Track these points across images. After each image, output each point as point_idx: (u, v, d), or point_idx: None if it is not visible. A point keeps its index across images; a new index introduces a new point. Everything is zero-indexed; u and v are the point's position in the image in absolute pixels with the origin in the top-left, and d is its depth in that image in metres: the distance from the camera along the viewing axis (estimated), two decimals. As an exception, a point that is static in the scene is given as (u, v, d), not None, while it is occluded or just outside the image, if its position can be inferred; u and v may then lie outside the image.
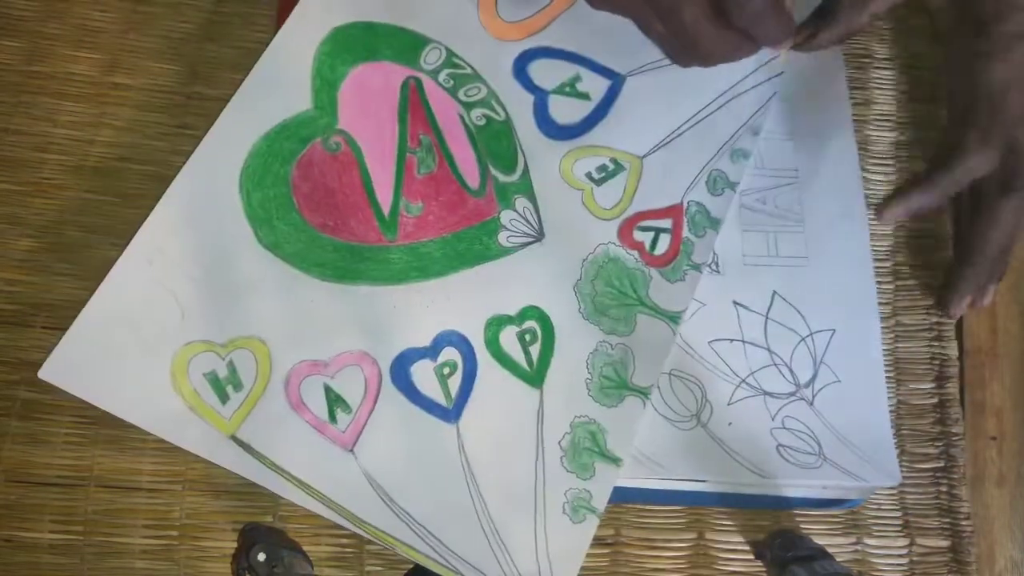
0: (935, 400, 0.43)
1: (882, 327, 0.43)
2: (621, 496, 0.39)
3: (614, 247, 0.39)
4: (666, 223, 0.40)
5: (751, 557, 0.40)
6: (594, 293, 0.38)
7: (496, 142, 0.40)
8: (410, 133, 0.39)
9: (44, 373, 0.33)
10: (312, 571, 0.37)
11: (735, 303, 0.41)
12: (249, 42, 0.45)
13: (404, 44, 0.41)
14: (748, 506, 0.40)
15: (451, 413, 0.36)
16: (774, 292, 0.42)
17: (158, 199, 0.42)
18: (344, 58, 0.39)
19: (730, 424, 0.39)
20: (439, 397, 0.37)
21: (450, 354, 0.37)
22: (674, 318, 0.39)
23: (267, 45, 0.40)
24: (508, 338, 0.38)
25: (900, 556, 0.41)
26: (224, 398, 0.35)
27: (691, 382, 0.40)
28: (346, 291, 0.37)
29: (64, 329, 0.40)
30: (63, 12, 0.45)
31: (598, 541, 0.40)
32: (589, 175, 0.40)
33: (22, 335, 0.40)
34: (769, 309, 0.41)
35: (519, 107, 0.41)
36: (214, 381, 0.35)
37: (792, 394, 0.40)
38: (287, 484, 0.34)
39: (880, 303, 0.44)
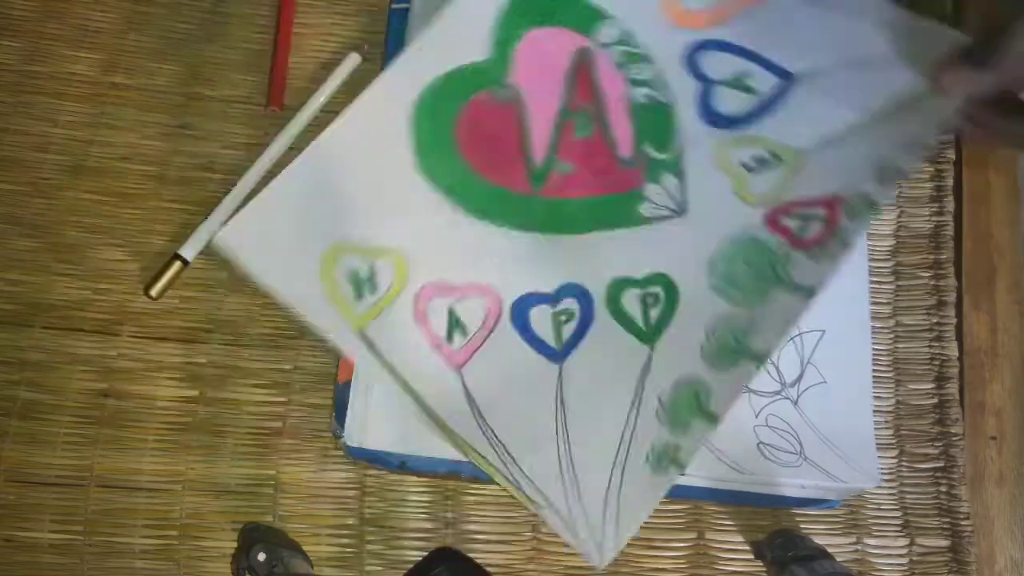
0: (935, 400, 0.43)
1: (882, 327, 0.44)
2: None
3: (759, 230, 0.40)
4: (820, 212, 0.40)
5: (751, 557, 0.40)
6: (728, 270, 0.39)
7: (655, 122, 0.42)
8: (574, 98, 0.41)
9: (220, 238, 0.36)
10: (312, 571, 0.37)
11: None
12: (249, 42, 0.45)
13: (583, 15, 0.42)
14: (728, 501, 0.40)
15: (558, 355, 0.38)
16: None
17: (159, 199, 0.42)
18: (524, 19, 0.41)
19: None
20: (550, 339, 0.38)
21: (569, 304, 0.39)
22: (811, 291, 0.38)
23: (266, 45, 0.39)
24: (630, 299, 0.39)
25: (900, 556, 0.41)
26: (359, 296, 0.38)
27: None
28: (486, 229, 0.40)
29: (64, 329, 0.40)
30: (63, 12, 0.45)
31: (598, 541, 0.40)
32: (744, 164, 0.41)
33: (22, 335, 0.40)
34: None
35: (683, 92, 0.42)
36: (355, 280, 0.38)
37: (777, 393, 0.40)
38: (395, 384, 0.37)
39: (880, 303, 0.44)
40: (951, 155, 0.46)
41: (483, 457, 0.36)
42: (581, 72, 0.42)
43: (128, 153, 0.43)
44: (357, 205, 0.39)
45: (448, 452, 0.39)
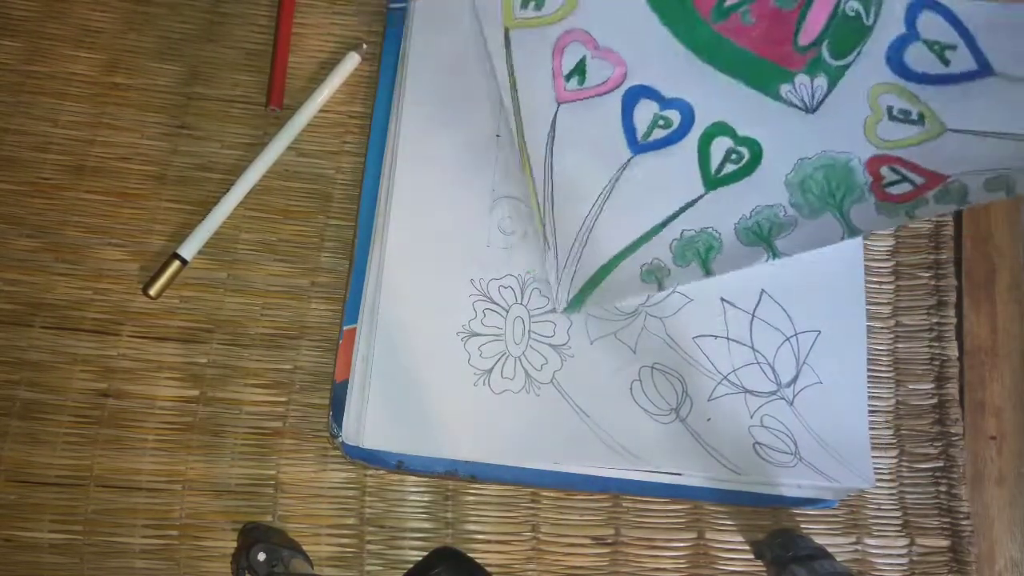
0: (935, 400, 0.43)
1: (882, 327, 0.43)
2: (600, 485, 0.39)
3: (857, 162, 0.43)
4: (918, 179, 0.42)
5: (751, 557, 0.40)
6: (809, 174, 0.42)
7: (848, 34, 0.44)
8: None
9: None
10: (312, 571, 0.37)
11: (722, 300, 0.42)
12: (249, 42, 0.45)
13: None
14: (726, 501, 0.40)
15: (637, 147, 0.43)
16: (762, 290, 0.42)
17: (158, 199, 0.43)
18: None
19: (709, 420, 0.40)
20: (640, 131, 0.43)
21: (673, 115, 0.43)
22: (854, 232, 0.41)
23: (266, 44, 0.40)
24: (719, 145, 0.43)
25: (900, 556, 0.41)
26: (524, 5, 0.44)
27: (672, 376, 0.40)
28: (652, 20, 0.45)
29: (64, 328, 0.40)
30: (63, 12, 0.45)
31: (598, 541, 0.40)
32: (890, 108, 0.44)
33: (22, 335, 0.40)
34: (756, 307, 0.42)
35: (888, 27, 0.45)
36: None
37: (773, 393, 0.41)
38: (507, 86, 0.43)
39: (880, 303, 0.44)
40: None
41: (532, 179, 0.42)
42: None
43: (128, 153, 0.43)
44: None
45: (444, 452, 0.39)
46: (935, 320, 0.44)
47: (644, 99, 0.44)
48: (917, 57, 0.44)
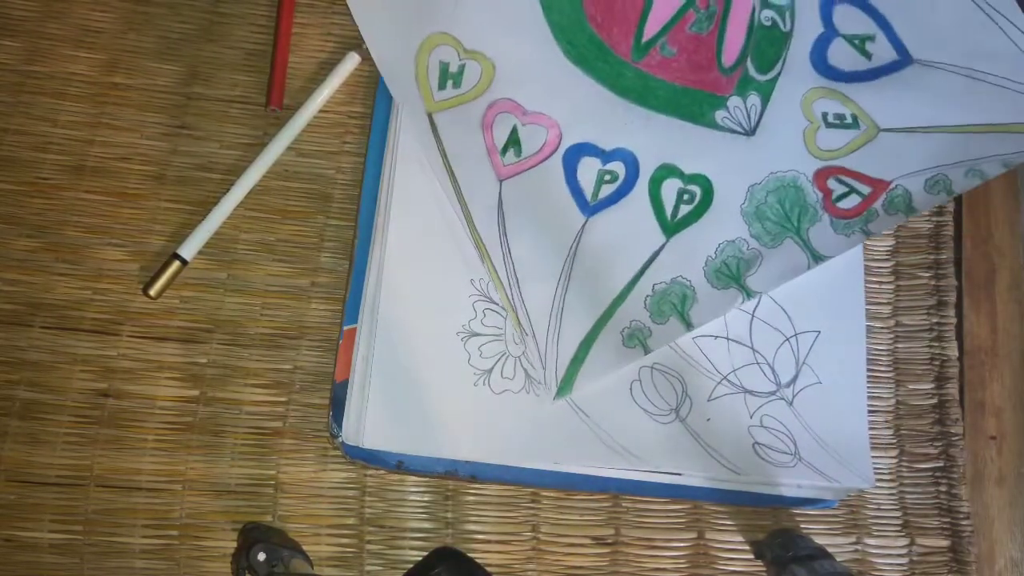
0: (935, 400, 0.43)
1: (882, 327, 0.43)
2: (599, 485, 0.39)
3: (804, 179, 0.42)
4: (864, 189, 0.42)
5: (751, 557, 0.40)
6: (762, 200, 0.42)
7: (768, 45, 0.43)
8: None
9: None
10: (312, 571, 0.37)
11: None
12: (249, 42, 0.45)
13: None
14: (726, 500, 0.40)
15: (588, 208, 0.41)
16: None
17: (158, 199, 0.43)
18: None
19: (708, 420, 0.40)
20: (588, 191, 0.42)
21: (618, 167, 0.42)
22: (818, 258, 0.41)
23: (266, 45, 0.40)
24: (669, 187, 0.42)
25: (900, 556, 0.41)
26: (442, 87, 0.42)
27: (672, 376, 0.40)
28: (575, 73, 0.43)
29: (64, 328, 0.40)
30: (63, 12, 0.45)
31: (598, 541, 0.40)
32: (824, 115, 0.43)
33: (22, 335, 0.40)
34: (756, 308, 0.42)
35: (806, 30, 0.44)
36: (443, 70, 0.42)
37: (772, 393, 0.41)
38: (444, 173, 0.41)
39: (880, 303, 0.44)
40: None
41: (494, 269, 0.40)
42: None
43: (128, 153, 0.43)
44: (472, 5, 0.42)
45: (444, 452, 0.39)
46: (935, 320, 0.44)
47: (585, 156, 0.42)
48: (840, 55, 0.44)
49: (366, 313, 0.40)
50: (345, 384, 0.39)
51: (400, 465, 0.39)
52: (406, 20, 0.43)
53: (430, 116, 0.42)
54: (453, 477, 0.40)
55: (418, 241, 0.41)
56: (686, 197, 0.42)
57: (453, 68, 0.42)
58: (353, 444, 0.39)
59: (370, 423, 0.39)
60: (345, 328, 0.40)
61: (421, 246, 0.41)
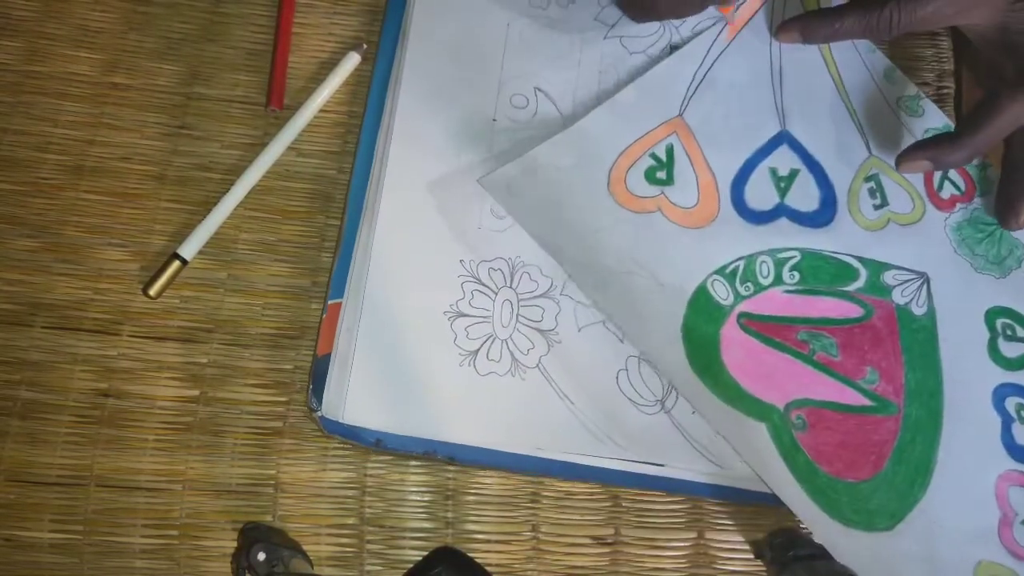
0: (935, 400, 0.43)
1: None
2: (578, 473, 0.39)
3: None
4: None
5: (751, 557, 0.40)
6: None
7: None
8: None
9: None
10: (312, 571, 0.37)
11: None
12: (249, 42, 0.45)
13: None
14: (719, 496, 0.40)
15: None
16: None
17: (158, 199, 0.43)
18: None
19: (694, 412, 0.40)
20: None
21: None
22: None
23: (266, 45, 0.40)
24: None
25: (900, 556, 0.41)
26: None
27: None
28: None
29: (64, 328, 0.40)
30: (63, 12, 0.45)
31: (598, 540, 0.40)
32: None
33: (22, 335, 0.40)
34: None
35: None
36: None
37: None
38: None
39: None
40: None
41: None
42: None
43: (128, 153, 0.43)
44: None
45: (424, 432, 0.38)
46: (935, 320, 0.44)
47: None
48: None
49: (352, 286, 0.40)
50: (327, 359, 0.39)
51: (378, 443, 0.39)
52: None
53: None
54: (431, 458, 0.39)
55: (409, 217, 0.41)
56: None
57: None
58: (333, 419, 0.38)
59: (351, 398, 0.38)
60: (329, 302, 0.40)
61: (412, 223, 0.41)
